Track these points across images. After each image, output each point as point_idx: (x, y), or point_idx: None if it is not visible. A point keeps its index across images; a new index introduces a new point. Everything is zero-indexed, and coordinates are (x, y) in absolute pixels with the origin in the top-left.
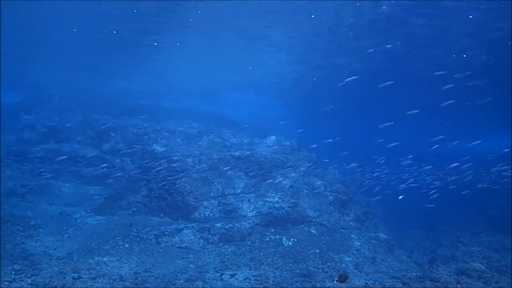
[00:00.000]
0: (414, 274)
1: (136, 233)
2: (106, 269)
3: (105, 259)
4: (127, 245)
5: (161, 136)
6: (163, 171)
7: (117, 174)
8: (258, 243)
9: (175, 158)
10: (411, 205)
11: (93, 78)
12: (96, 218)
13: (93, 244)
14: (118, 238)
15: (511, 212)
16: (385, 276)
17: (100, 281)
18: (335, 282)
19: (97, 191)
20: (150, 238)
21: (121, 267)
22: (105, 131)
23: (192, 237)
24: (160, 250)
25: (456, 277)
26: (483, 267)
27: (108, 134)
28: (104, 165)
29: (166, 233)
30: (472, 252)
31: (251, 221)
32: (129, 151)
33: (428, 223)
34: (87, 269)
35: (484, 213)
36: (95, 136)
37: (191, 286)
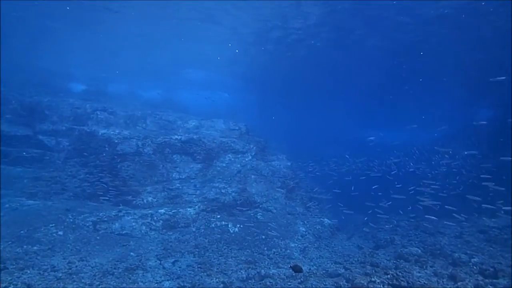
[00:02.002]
0: (356, 259)
1: (71, 220)
2: (36, 258)
3: (35, 248)
4: (60, 233)
5: (102, 117)
6: (104, 154)
7: (52, 156)
8: (203, 230)
9: (116, 141)
10: (354, 190)
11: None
12: (27, 203)
13: (22, 232)
14: (51, 225)
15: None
16: (329, 262)
17: (28, 272)
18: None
19: (29, 174)
20: (87, 225)
21: (53, 256)
22: (39, 109)
23: (133, 223)
24: (97, 237)
25: (395, 261)
26: (419, 251)
27: (43, 112)
28: (37, 146)
29: (105, 219)
30: (409, 236)
31: (196, 207)
32: (66, 131)
33: (369, 208)
34: (14, 259)
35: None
36: (27, 115)
37: (130, 275)
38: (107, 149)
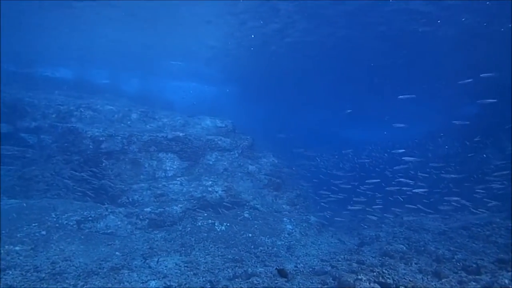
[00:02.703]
0: (342, 256)
1: (55, 219)
2: (19, 259)
3: (17, 248)
4: (44, 232)
5: (86, 114)
6: (88, 152)
7: (34, 154)
8: (189, 228)
9: (101, 139)
10: (339, 186)
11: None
12: (8, 202)
13: (3, 232)
14: (33, 224)
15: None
16: (315, 259)
17: (10, 272)
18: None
19: (10, 172)
20: (71, 224)
21: (36, 256)
22: (20, 106)
23: (118, 222)
24: (82, 237)
25: (380, 258)
26: (404, 248)
27: (24, 109)
28: (19, 143)
29: (89, 218)
30: (394, 233)
31: (183, 205)
32: (48, 129)
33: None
34: None
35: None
36: (8, 112)
37: (116, 275)
38: (91, 147)
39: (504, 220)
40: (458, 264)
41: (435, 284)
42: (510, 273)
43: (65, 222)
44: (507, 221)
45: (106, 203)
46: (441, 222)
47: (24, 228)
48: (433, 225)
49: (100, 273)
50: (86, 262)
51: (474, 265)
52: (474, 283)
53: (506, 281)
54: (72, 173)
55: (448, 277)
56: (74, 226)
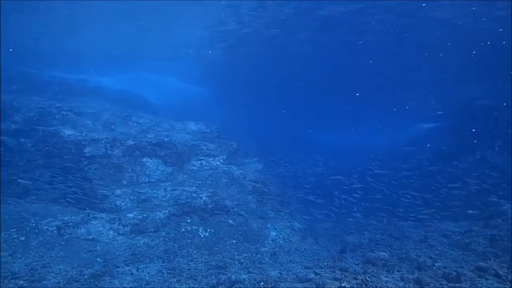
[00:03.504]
0: (325, 263)
1: (34, 224)
2: None
3: None
4: (22, 238)
5: (68, 118)
6: (70, 156)
7: (14, 158)
8: (173, 234)
9: (83, 143)
10: (324, 193)
11: None
12: None
13: None
14: (12, 230)
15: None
16: (299, 266)
17: None
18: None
19: None
20: (52, 229)
21: (14, 263)
22: None
23: (100, 228)
24: (62, 243)
25: (363, 266)
26: (386, 255)
27: (4, 111)
28: None
29: (70, 224)
30: (377, 240)
31: (166, 211)
32: (29, 132)
33: (338, 211)
34: None
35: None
36: None
37: (97, 282)
38: (73, 151)
39: (483, 229)
40: (439, 271)
41: None
42: (489, 281)
43: (45, 227)
44: (486, 229)
45: (87, 209)
46: (421, 230)
47: (2, 234)
48: (414, 232)
49: (81, 280)
50: (66, 269)
51: (454, 273)
52: None
53: None
54: (52, 178)
55: (429, 285)
56: (54, 231)
